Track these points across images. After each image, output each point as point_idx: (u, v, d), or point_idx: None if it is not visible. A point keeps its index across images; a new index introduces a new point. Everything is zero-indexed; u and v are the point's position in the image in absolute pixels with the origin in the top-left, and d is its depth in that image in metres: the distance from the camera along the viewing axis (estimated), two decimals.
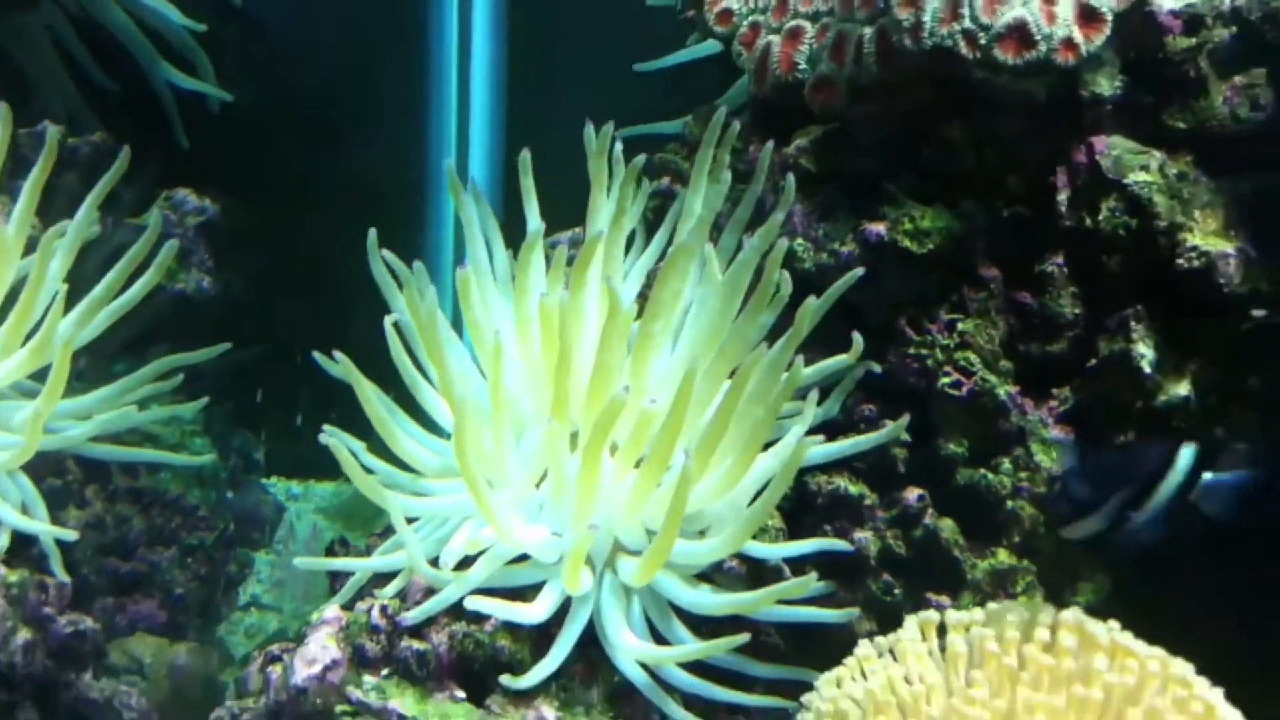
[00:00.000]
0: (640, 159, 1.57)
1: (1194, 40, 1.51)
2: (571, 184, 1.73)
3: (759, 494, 1.39)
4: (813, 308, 1.41)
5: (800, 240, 1.55)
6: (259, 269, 2.16)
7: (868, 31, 1.48)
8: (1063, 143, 1.52)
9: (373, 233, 1.58)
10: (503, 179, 2.43)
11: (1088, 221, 1.50)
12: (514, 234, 1.60)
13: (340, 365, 1.48)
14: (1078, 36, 1.39)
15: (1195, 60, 1.51)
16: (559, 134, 2.26)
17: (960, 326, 1.52)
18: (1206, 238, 1.47)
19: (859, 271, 1.48)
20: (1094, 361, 1.51)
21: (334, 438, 1.46)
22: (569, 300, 1.44)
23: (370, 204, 2.33)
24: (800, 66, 1.55)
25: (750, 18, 1.60)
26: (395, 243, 1.61)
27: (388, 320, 1.52)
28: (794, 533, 1.51)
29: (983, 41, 1.40)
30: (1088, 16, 1.40)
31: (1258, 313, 1.43)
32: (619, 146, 1.61)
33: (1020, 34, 1.40)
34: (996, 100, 1.49)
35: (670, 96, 2.13)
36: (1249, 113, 1.50)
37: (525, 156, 1.61)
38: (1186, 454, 1.36)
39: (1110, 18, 1.40)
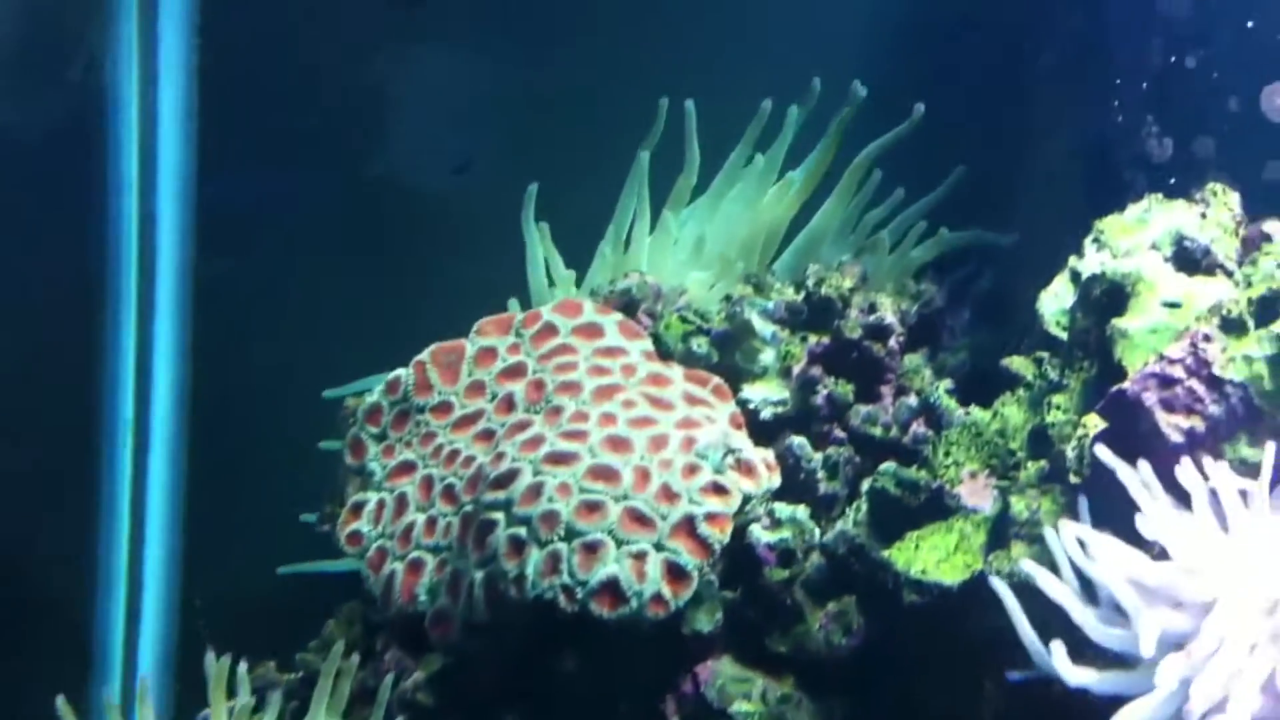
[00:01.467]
0: (251, 700, 1.58)
1: (788, 572, 1.62)
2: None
3: None
4: None
5: None
6: None
7: (479, 575, 1.54)
8: (670, 671, 1.59)
9: None
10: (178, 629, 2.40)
11: None
12: None
13: None
14: (666, 593, 1.48)
15: (791, 590, 1.62)
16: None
17: None
18: None
19: None
20: None
21: None
22: None
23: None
24: (420, 598, 1.60)
25: (378, 542, 1.65)
26: None
27: None
28: None
29: (579, 596, 1.48)
30: (675, 574, 1.49)
31: None
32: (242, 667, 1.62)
33: (613, 590, 1.48)
34: (604, 634, 1.55)
35: None
36: (841, 638, 1.60)
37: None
38: None
39: (696, 576, 1.50)
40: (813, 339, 1.84)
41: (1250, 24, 1.69)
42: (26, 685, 2.17)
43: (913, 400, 1.81)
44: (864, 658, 1.61)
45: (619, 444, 1.56)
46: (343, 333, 2.25)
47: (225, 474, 2.38)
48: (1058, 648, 1.27)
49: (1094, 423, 1.43)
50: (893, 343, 1.82)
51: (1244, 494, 1.27)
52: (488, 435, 1.64)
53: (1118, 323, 1.53)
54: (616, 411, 1.60)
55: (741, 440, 1.58)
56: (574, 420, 1.59)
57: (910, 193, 2.14)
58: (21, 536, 2.30)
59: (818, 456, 1.71)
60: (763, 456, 1.58)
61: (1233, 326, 1.35)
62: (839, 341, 1.81)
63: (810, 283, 1.89)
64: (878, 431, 1.77)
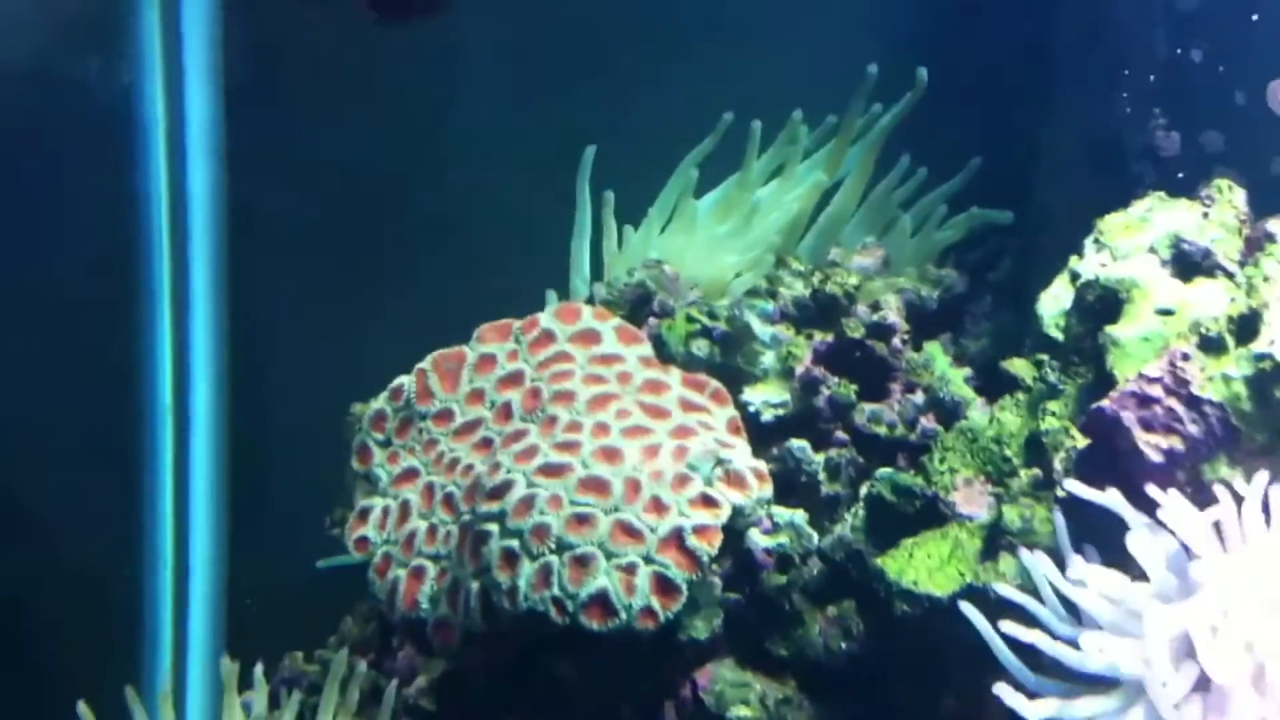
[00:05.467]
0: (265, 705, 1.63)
1: (786, 578, 1.63)
2: None
3: None
4: None
5: None
6: None
7: (474, 586, 1.57)
8: (670, 675, 1.62)
9: None
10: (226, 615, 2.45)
11: None
12: None
13: None
14: (656, 605, 1.50)
15: (790, 595, 1.63)
16: None
17: None
18: None
19: None
20: None
21: None
22: None
23: None
24: (423, 606, 1.64)
25: (384, 548, 1.69)
26: None
27: None
28: None
29: (570, 609, 1.51)
30: (665, 587, 1.51)
31: None
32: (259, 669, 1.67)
33: (603, 603, 1.50)
34: (600, 642, 1.58)
35: None
36: (842, 643, 1.62)
37: None
38: None
39: (685, 589, 1.52)
40: (818, 337, 1.84)
41: (1255, 18, 1.66)
42: (77, 670, 2.26)
43: (919, 397, 1.81)
44: (864, 662, 1.62)
45: (611, 455, 1.58)
46: (373, 330, 2.27)
47: (265, 463, 2.42)
48: (1004, 690, 1.27)
49: (1081, 440, 1.43)
50: (896, 341, 1.81)
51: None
52: (486, 444, 1.67)
53: (1110, 330, 1.52)
54: (610, 421, 1.62)
55: (734, 450, 1.59)
56: (568, 430, 1.61)
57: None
58: (68, 523, 2.37)
59: (819, 459, 1.72)
60: (753, 467, 1.59)
61: (1211, 345, 1.34)
62: (842, 341, 1.81)
63: (816, 279, 1.89)
64: (883, 430, 1.77)
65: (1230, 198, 1.63)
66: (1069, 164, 1.93)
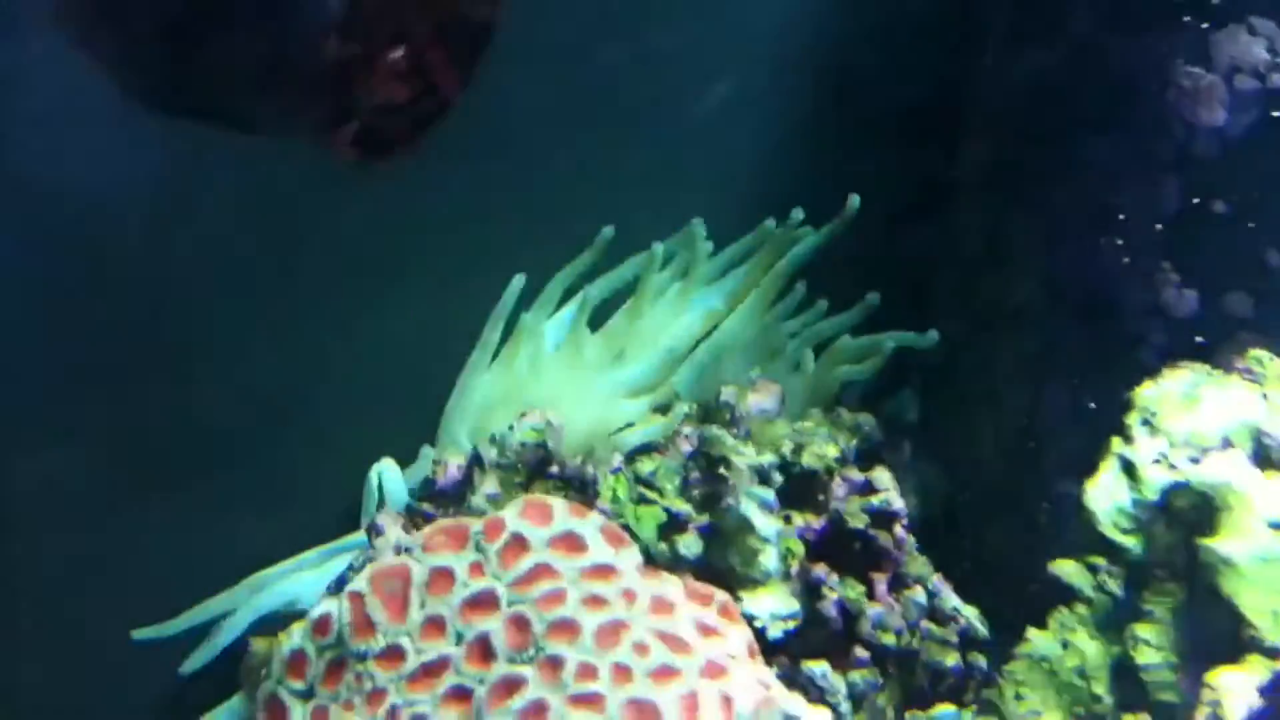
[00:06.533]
0: None
1: None
2: None
3: None
4: None
5: None
6: None
7: None
8: None
9: None
10: None
11: None
12: None
13: None
14: None
15: None
16: None
17: None
18: None
19: None
20: None
21: None
22: None
23: None
24: None
25: None
26: None
27: None
28: None
29: None
30: None
31: None
32: None
33: None
34: None
35: None
36: None
37: None
38: None
39: None
40: (797, 519, 1.55)
41: None
42: None
43: (920, 594, 1.55)
44: None
45: (645, 712, 1.23)
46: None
47: None
48: None
49: (1231, 698, 1.20)
50: (899, 529, 1.55)
51: None
52: (462, 695, 1.27)
53: (1214, 547, 1.32)
54: (629, 662, 1.26)
55: (794, 700, 1.27)
56: (581, 679, 1.24)
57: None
58: None
59: (842, 686, 1.42)
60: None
61: None
62: (839, 530, 1.52)
63: (788, 450, 1.60)
64: (891, 640, 1.50)
65: (1278, 373, 1.47)
66: (1035, 310, 1.73)
